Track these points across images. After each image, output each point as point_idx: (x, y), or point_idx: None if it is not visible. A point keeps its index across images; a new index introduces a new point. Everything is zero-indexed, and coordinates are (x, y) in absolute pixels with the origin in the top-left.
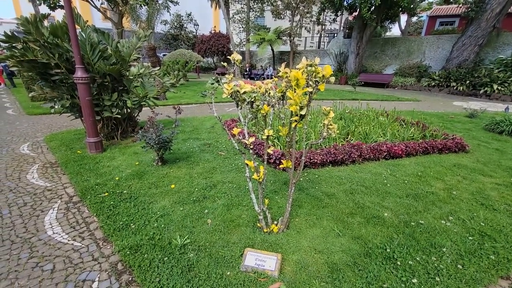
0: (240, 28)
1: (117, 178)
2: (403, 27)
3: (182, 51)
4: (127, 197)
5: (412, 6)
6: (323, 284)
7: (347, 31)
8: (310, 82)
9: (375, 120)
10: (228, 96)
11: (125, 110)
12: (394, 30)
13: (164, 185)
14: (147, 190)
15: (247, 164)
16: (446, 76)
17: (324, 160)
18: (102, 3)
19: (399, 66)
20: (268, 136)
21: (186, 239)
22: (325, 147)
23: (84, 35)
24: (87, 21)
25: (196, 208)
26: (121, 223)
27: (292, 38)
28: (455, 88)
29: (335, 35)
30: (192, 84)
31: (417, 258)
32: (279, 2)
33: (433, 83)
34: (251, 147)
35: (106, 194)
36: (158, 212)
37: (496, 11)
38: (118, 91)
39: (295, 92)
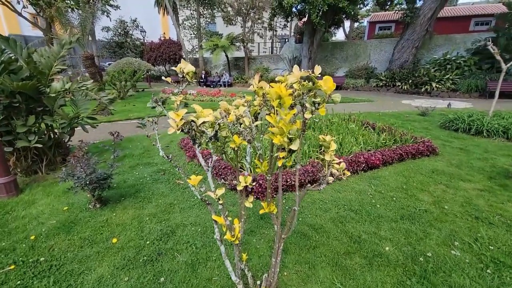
0: (191, 34)
1: (32, 237)
2: (347, 32)
3: (129, 60)
4: (46, 268)
5: (353, 12)
6: None
7: (298, 36)
8: (307, 104)
9: (345, 128)
10: (178, 131)
11: (51, 135)
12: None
13: (103, 240)
14: (77, 251)
15: (216, 221)
16: (391, 77)
17: (302, 180)
18: (24, 7)
19: (349, 68)
20: (245, 186)
21: None
22: (301, 165)
23: None
24: None
25: (148, 275)
26: None
27: (245, 44)
28: (400, 87)
29: (287, 40)
30: (143, 95)
31: None
32: (229, 8)
33: (381, 84)
34: (220, 202)
35: (13, 267)
36: None
37: (428, 16)
38: (37, 113)
39: (276, 115)
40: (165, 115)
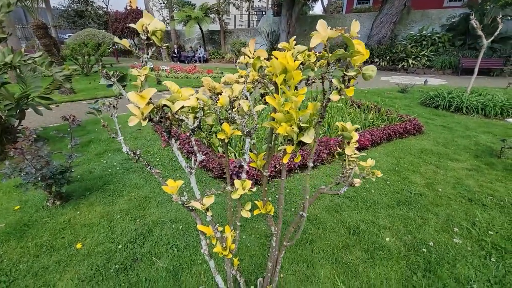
0: (161, 4)
1: None
2: (325, 5)
3: (92, 31)
4: None
5: None
6: None
7: (276, 8)
8: (335, 81)
9: (331, 106)
10: (144, 122)
11: None
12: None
13: (65, 246)
14: (32, 262)
15: (203, 233)
16: (370, 53)
17: (292, 165)
18: None
19: (329, 43)
20: (241, 196)
21: None
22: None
23: None
24: None
25: None
26: None
27: (221, 15)
28: (378, 64)
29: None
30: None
31: None
32: None
33: None
34: (209, 214)
35: None
36: None
37: None
38: None
39: (282, 95)
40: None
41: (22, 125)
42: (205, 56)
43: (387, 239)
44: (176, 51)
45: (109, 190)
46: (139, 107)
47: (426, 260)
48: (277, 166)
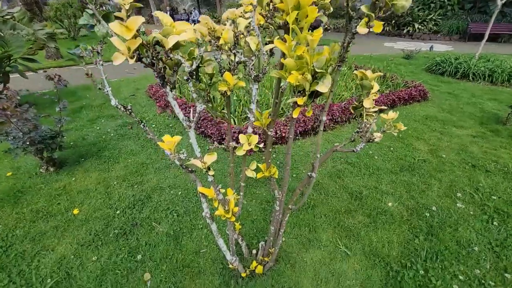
0: None
1: None
2: None
3: None
4: None
5: None
6: None
7: None
8: (363, 8)
9: None
10: (132, 60)
11: None
12: None
13: (61, 212)
14: (28, 227)
15: (204, 195)
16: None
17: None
18: None
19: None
20: (246, 154)
21: None
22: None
23: None
24: None
25: (121, 252)
26: None
27: None
28: (382, 28)
29: None
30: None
31: (459, 276)
32: None
33: None
34: (211, 173)
35: None
36: (51, 277)
37: None
38: None
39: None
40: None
41: (7, 88)
42: (199, 19)
43: (390, 204)
44: (168, 13)
45: (104, 157)
46: (125, 42)
47: (428, 224)
48: (278, 132)
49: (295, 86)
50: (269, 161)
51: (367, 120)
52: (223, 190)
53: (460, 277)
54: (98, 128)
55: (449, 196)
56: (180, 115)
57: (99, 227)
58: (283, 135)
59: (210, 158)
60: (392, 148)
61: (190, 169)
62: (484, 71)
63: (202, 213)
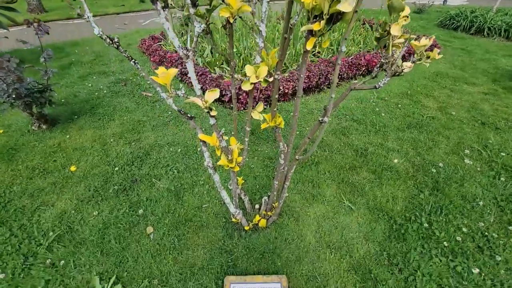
0: None
1: None
2: None
3: None
4: None
5: None
6: None
7: None
8: None
9: (340, 24)
10: None
11: None
12: None
13: (58, 169)
14: (26, 184)
15: (204, 142)
16: None
17: (296, 87)
18: None
19: None
20: (254, 84)
21: (112, 286)
22: (294, 68)
23: None
24: None
25: (122, 207)
26: None
27: None
28: None
29: None
30: None
31: (463, 229)
32: None
33: None
34: (213, 113)
35: None
36: (53, 230)
37: None
38: None
39: None
40: None
41: None
42: None
43: (396, 160)
44: None
45: (99, 114)
46: None
47: (434, 180)
48: (280, 88)
49: (310, 10)
50: (275, 109)
51: (394, 48)
52: (226, 137)
53: (464, 229)
54: (89, 85)
55: (456, 153)
56: (176, 42)
57: (98, 183)
58: (286, 91)
59: (212, 95)
60: (399, 105)
61: (189, 115)
62: (500, 26)
63: (204, 163)
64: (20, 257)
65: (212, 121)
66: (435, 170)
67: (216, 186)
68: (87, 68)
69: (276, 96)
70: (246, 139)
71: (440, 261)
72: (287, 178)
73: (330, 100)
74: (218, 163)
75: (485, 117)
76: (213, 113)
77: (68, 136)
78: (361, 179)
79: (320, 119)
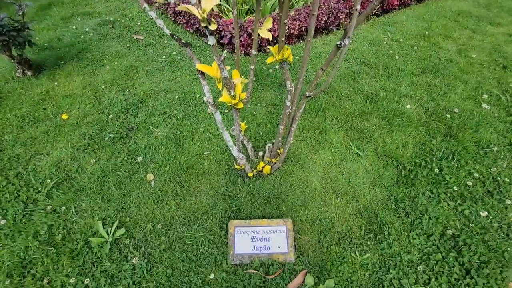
0: None
1: None
2: None
3: None
4: None
5: None
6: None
7: None
8: None
9: None
10: None
11: None
12: None
13: (49, 117)
14: (17, 133)
15: (202, 74)
16: None
17: (303, 28)
18: None
19: None
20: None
21: (115, 231)
22: (299, 5)
23: None
24: None
25: (120, 155)
26: None
27: None
28: None
29: None
30: None
31: (474, 174)
32: None
33: None
34: (212, 28)
35: None
36: (50, 178)
37: None
38: None
39: None
40: None
41: None
42: None
43: (408, 106)
44: None
45: (87, 59)
46: None
47: (447, 126)
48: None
49: None
50: (283, 39)
51: None
52: (228, 67)
53: (475, 174)
54: (74, 27)
55: (473, 98)
56: None
57: (92, 131)
58: (291, 32)
59: (210, 2)
60: (415, 48)
61: (183, 41)
62: None
63: (203, 98)
64: (20, 204)
65: (211, 40)
66: (449, 116)
67: (218, 126)
68: (69, 9)
69: (285, 21)
70: (252, 66)
71: (448, 205)
72: (295, 120)
73: (355, 12)
74: (220, 99)
75: (507, 60)
76: (212, 27)
77: (56, 83)
78: (370, 125)
79: (339, 42)
